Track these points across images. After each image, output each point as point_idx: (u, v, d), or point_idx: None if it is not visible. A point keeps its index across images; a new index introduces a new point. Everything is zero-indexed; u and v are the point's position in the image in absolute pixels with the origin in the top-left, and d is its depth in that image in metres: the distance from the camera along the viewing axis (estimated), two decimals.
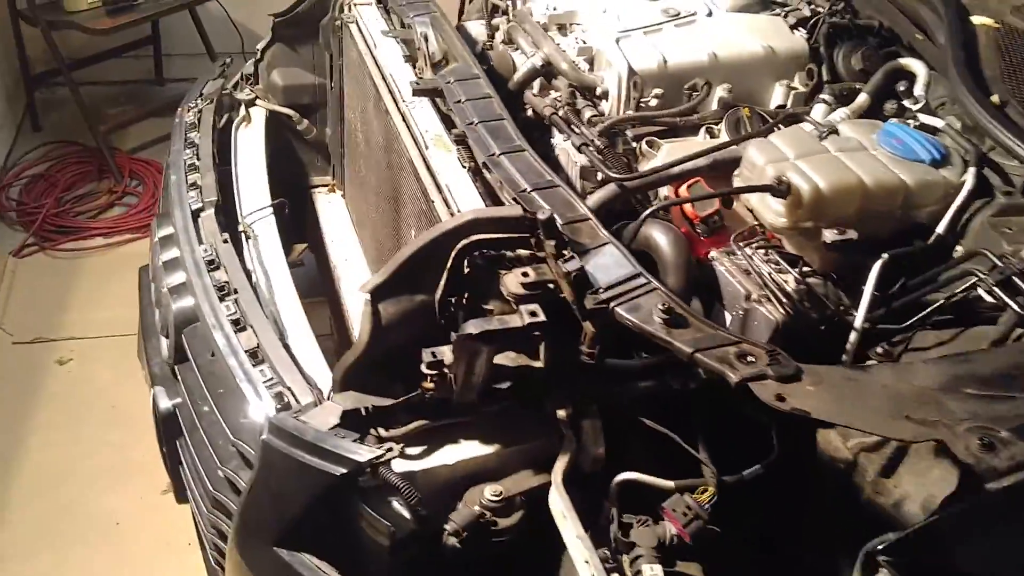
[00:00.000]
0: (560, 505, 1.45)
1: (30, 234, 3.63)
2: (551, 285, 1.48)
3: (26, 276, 3.48)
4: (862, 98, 1.85)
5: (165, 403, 1.83)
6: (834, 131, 1.66)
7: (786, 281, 1.61)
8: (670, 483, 1.49)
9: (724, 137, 1.87)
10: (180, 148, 2.19)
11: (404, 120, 1.92)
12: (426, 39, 1.96)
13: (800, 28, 2.03)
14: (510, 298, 1.48)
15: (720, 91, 1.91)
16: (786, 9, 2.12)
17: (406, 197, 1.90)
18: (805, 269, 1.60)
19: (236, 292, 1.75)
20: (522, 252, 1.54)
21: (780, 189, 1.52)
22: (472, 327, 1.43)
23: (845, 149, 1.60)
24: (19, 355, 3.11)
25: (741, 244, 1.65)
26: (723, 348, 1.32)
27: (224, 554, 1.67)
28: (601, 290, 1.41)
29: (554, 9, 2.08)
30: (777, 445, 1.44)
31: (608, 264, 1.46)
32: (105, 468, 2.75)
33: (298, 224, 2.60)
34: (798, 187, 1.52)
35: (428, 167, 1.80)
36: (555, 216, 1.46)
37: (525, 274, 1.48)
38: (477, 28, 2.29)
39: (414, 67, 2.08)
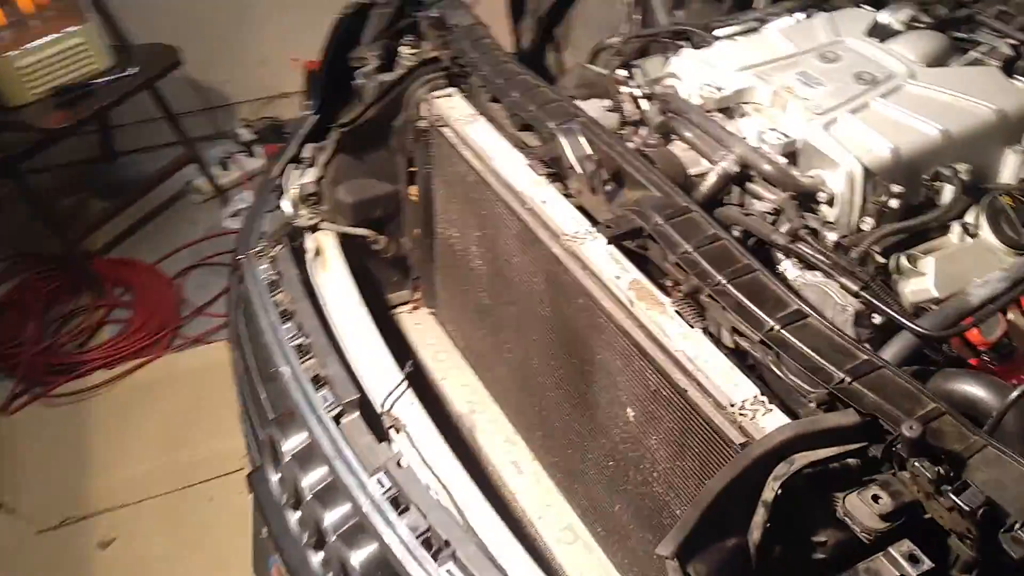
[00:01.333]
0: None
1: (18, 381, 3.09)
2: (908, 503, 1.14)
3: (27, 437, 2.95)
4: None
5: None
6: None
7: None
8: None
9: (986, 234, 1.54)
10: (276, 322, 1.74)
11: (583, 265, 1.53)
12: (598, 165, 1.56)
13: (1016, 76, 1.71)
14: (864, 534, 1.13)
15: (960, 174, 1.57)
16: (979, 50, 1.79)
17: (613, 366, 1.51)
18: None
19: (449, 545, 1.34)
20: (850, 461, 1.20)
21: None
22: None
23: None
24: (49, 546, 2.61)
25: None
26: None
27: None
28: (1018, 526, 1.07)
29: (719, 90, 1.70)
30: None
31: (1003, 480, 1.11)
32: None
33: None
34: None
35: (649, 334, 1.41)
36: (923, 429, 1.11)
37: (876, 497, 1.14)
38: (595, 109, 1.88)
39: (559, 184, 1.68)
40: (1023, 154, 1.64)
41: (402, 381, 1.73)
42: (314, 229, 2.09)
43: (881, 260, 1.50)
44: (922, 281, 1.48)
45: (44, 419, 3.02)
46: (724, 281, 1.34)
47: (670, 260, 1.41)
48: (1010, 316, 1.51)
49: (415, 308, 2.32)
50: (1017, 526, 1.07)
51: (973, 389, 1.29)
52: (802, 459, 1.16)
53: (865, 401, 1.18)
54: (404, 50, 2.15)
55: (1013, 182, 1.64)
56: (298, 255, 2.01)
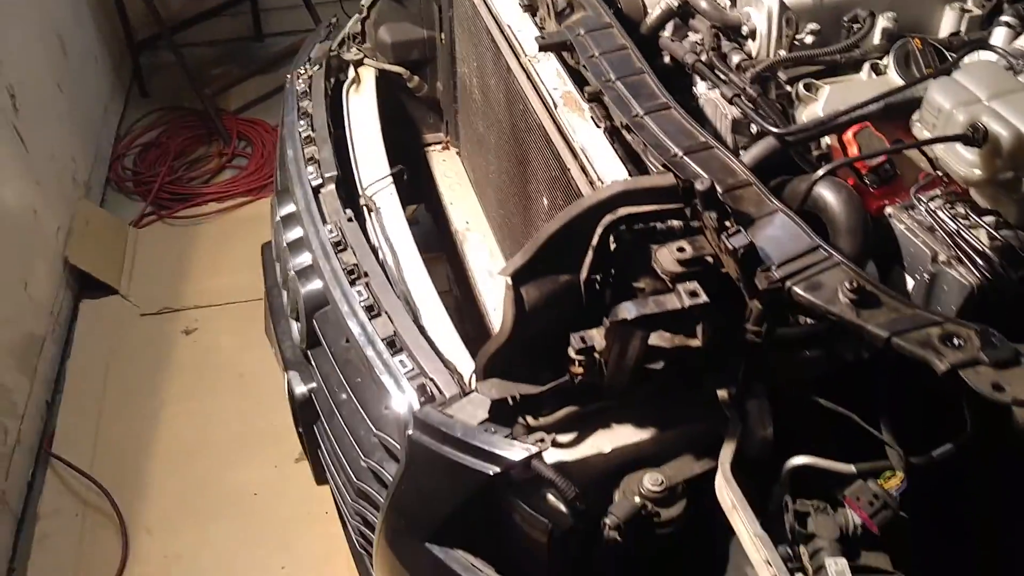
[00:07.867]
0: (730, 496, 1.34)
1: (148, 203, 3.66)
2: (710, 259, 1.34)
3: (146, 246, 3.52)
4: None
5: (300, 388, 1.78)
6: None
7: (978, 238, 1.42)
8: (850, 467, 1.36)
9: (892, 73, 1.66)
10: (294, 119, 2.10)
11: (528, 77, 1.78)
12: None
13: None
14: (665, 276, 1.35)
15: (883, 21, 1.68)
16: None
17: (536, 162, 1.77)
18: (999, 223, 1.41)
19: (367, 275, 1.66)
20: (674, 223, 1.41)
21: (975, 138, 1.32)
22: (627, 311, 1.31)
23: None
24: (147, 326, 3.16)
25: (923, 197, 1.47)
26: (925, 330, 1.16)
27: (369, 540, 1.63)
28: (774, 267, 1.26)
29: None
30: (971, 421, 1.28)
31: (779, 236, 1.30)
32: (238, 438, 2.77)
33: (413, 184, 2.50)
34: (996, 134, 1.32)
35: (559, 129, 1.66)
36: (715, 184, 1.31)
37: (680, 249, 1.35)
38: None
39: (534, 17, 1.92)
40: (959, 11, 1.73)
41: (387, 176, 2.06)
42: (358, 65, 2.43)
43: (788, 88, 1.66)
44: (815, 107, 1.64)
45: (162, 234, 3.58)
46: (613, 78, 1.57)
47: (574, 63, 1.64)
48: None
49: (444, 148, 2.63)
50: (774, 268, 1.26)
51: (808, 184, 1.46)
52: (624, 210, 1.38)
53: (687, 170, 1.39)
54: None
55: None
56: (338, 82, 2.36)
